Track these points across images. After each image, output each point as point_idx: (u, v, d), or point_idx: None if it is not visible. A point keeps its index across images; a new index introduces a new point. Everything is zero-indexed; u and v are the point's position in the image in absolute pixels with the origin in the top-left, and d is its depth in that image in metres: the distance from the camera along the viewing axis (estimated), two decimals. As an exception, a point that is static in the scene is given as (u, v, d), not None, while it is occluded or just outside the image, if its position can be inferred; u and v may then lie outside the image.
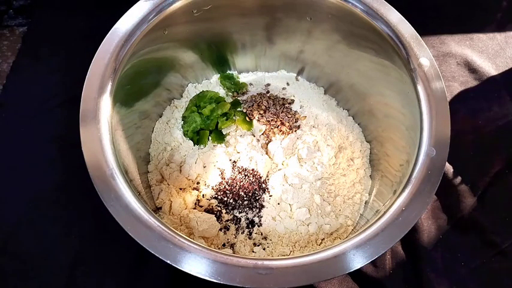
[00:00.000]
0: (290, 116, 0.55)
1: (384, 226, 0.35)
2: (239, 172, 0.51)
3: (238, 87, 0.58)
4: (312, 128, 0.54)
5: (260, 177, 0.50)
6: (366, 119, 0.55)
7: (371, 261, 0.34)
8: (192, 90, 0.58)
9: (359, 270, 0.45)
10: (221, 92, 0.58)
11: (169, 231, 0.34)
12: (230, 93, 0.59)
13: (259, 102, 0.56)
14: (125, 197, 0.35)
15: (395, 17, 0.44)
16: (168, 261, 0.33)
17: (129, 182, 0.37)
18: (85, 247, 0.49)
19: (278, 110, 0.55)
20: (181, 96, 0.58)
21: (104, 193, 0.35)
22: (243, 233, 0.48)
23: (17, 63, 0.62)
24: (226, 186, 0.50)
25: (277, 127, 0.54)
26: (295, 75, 0.61)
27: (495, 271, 0.49)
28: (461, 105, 0.60)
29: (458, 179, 0.54)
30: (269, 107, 0.55)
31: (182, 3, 0.45)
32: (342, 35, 0.49)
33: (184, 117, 0.55)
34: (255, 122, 0.55)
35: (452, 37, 0.67)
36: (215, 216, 0.47)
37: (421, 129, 0.39)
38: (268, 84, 0.60)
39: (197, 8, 0.47)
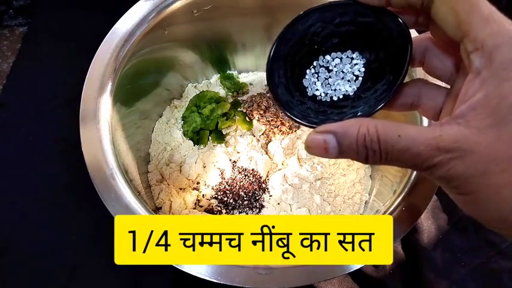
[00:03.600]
0: (290, 116, 0.55)
1: (384, 226, 0.35)
2: (239, 172, 0.51)
3: (238, 87, 0.58)
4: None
5: (260, 177, 0.50)
6: (366, 119, 0.55)
7: (371, 261, 0.34)
8: (192, 90, 0.58)
9: (359, 270, 0.45)
10: (221, 92, 0.58)
11: (169, 231, 0.34)
12: (230, 93, 0.59)
13: (259, 102, 0.56)
14: (125, 197, 0.35)
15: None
16: (168, 261, 0.33)
17: (129, 182, 0.37)
18: (85, 247, 0.49)
19: (278, 110, 0.55)
20: (181, 96, 0.58)
21: (104, 193, 0.35)
22: (243, 233, 0.48)
23: (17, 63, 0.62)
24: (226, 186, 0.50)
25: (277, 127, 0.54)
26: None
27: (495, 271, 0.49)
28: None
29: (458, 179, 0.54)
30: (269, 107, 0.55)
31: (182, 3, 0.45)
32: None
33: (184, 117, 0.55)
34: (255, 122, 0.55)
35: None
36: (215, 216, 0.47)
37: (421, 129, 0.39)
38: (268, 84, 0.60)
39: (197, 8, 0.47)
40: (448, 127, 0.20)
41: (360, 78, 0.27)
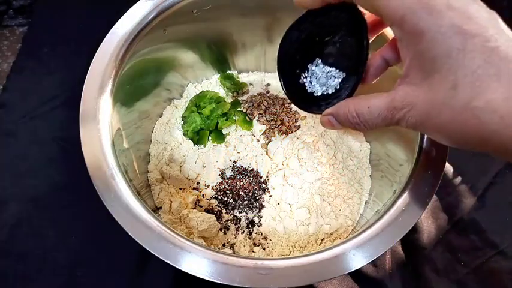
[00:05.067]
0: (290, 116, 0.55)
1: (384, 226, 0.35)
2: (239, 172, 0.51)
3: (238, 87, 0.58)
4: (311, 127, 0.54)
5: (260, 177, 0.50)
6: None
7: (371, 261, 0.34)
8: (192, 90, 0.58)
9: (359, 270, 0.45)
10: (221, 92, 0.58)
11: (169, 231, 0.34)
12: (230, 93, 0.59)
13: (259, 102, 0.56)
14: (125, 197, 0.35)
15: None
16: (168, 261, 0.33)
17: (129, 182, 0.37)
18: (85, 247, 0.49)
19: (278, 110, 0.55)
20: (181, 96, 0.58)
21: (104, 193, 0.35)
22: (243, 233, 0.48)
23: (17, 63, 0.62)
24: (226, 186, 0.50)
25: (277, 127, 0.54)
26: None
27: (495, 271, 0.49)
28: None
29: (458, 179, 0.54)
30: (269, 107, 0.55)
31: (182, 3, 0.45)
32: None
33: (184, 117, 0.55)
34: (255, 122, 0.55)
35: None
36: (215, 216, 0.47)
37: (421, 129, 0.39)
38: (268, 84, 0.60)
39: (197, 8, 0.47)
40: (399, 88, 0.26)
41: (346, 65, 0.33)
